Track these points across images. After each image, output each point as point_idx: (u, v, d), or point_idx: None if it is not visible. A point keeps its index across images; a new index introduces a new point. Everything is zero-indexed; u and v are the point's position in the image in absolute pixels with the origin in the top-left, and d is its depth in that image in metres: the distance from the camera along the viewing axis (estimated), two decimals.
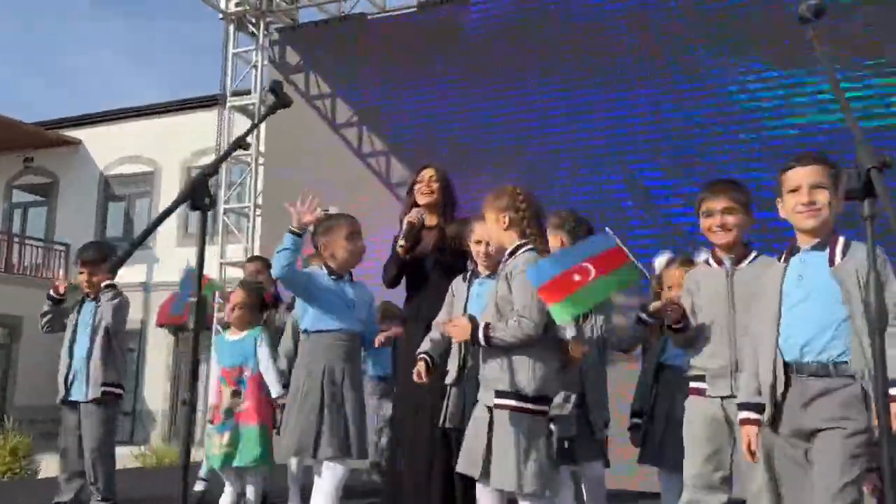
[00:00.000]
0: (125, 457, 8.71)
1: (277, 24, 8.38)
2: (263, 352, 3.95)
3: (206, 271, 2.16)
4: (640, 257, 2.79)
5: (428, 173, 3.77)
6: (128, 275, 13.11)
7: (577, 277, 2.56)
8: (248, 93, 8.35)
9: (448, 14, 7.49)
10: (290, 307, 4.31)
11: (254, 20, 8.30)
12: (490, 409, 2.67)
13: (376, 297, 3.83)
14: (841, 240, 2.37)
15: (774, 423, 2.36)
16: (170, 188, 15.08)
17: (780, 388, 2.33)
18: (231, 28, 8.30)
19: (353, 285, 3.46)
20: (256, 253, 7.05)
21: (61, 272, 14.55)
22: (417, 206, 3.73)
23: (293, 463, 4.25)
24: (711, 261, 2.86)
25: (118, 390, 4.20)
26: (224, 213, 8.34)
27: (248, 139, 2.39)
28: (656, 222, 6.25)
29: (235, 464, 3.83)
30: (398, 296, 3.91)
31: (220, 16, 8.29)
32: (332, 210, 3.57)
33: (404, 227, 3.65)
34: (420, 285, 3.72)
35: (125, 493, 4.37)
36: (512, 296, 2.67)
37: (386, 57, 7.56)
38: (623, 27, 6.71)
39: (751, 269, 2.76)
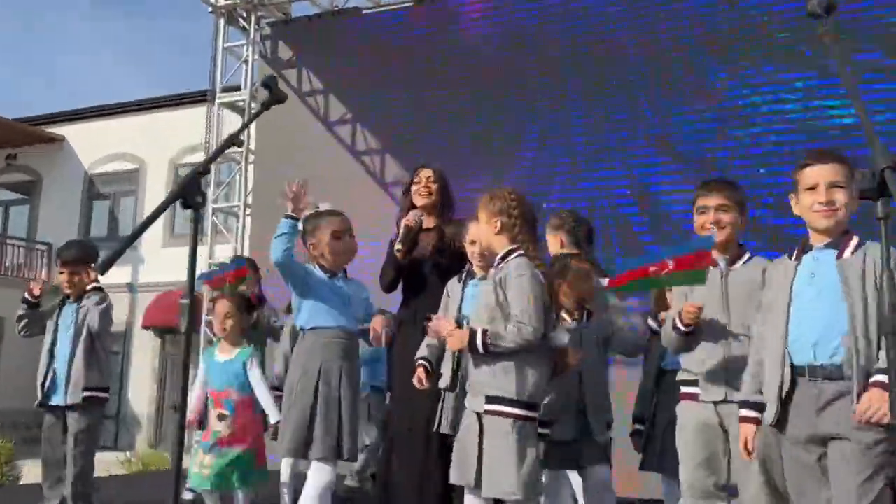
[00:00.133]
0: (110, 463, 8.52)
1: (269, 17, 8.23)
2: (255, 374, 3.78)
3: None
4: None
5: (426, 173, 3.71)
6: (113, 276, 12.87)
7: (651, 269, 2.61)
8: (237, 89, 8.19)
9: (445, 8, 7.40)
10: (289, 310, 4.18)
11: (245, 14, 8.13)
12: (479, 416, 2.65)
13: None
14: (854, 238, 2.35)
15: (780, 424, 2.32)
16: (156, 186, 14.86)
17: (787, 388, 2.30)
18: (221, 22, 8.13)
19: (348, 282, 3.40)
20: (246, 254, 6.86)
21: (43, 272, 14.34)
22: (414, 207, 3.67)
23: (285, 470, 4.13)
24: None
25: (102, 394, 4.11)
26: (213, 213, 8.13)
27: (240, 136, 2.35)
28: (656, 222, 6.22)
29: (214, 488, 3.70)
30: (393, 301, 3.83)
31: (210, 9, 8.11)
32: (324, 207, 3.49)
33: (401, 230, 3.59)
34: (418, 288, 3.66)
35: (110, 500, 4.31)
36: (507, 302, 2.65)
37: (381, 52, 7.44)
38: (622, 26, 6.67)
39: (745, 269, 2.75)
